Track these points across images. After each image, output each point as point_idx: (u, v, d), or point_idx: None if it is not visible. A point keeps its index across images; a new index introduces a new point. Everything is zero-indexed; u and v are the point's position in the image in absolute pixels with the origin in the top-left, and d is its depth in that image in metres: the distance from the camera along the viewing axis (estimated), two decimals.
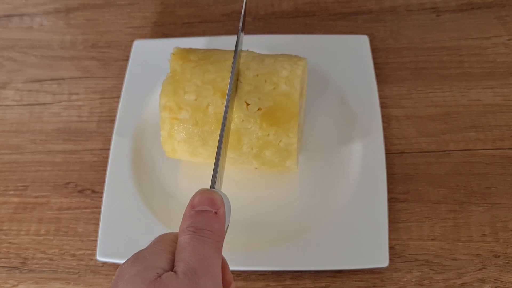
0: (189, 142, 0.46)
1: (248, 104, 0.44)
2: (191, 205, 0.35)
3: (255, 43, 0.53)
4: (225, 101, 0.43)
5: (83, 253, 0.49)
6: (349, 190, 0.48)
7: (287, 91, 0.44)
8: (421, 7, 0.62)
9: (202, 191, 0.35)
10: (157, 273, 0.32)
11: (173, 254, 0.34)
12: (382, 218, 0.46)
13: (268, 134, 0.44)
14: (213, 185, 0.37)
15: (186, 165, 0.52)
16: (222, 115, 0.43)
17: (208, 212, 0.34)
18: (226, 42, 0.52)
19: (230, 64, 0.45)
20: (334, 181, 0.50)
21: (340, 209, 0.47)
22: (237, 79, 0.45)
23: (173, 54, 0.47)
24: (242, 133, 0.45)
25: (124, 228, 0.48)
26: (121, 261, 0.46)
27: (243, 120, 0.44)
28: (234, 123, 0.44)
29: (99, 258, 0.47)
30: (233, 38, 0.47)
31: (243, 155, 0.46)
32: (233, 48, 0.46)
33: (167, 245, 0.34)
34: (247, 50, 0.48)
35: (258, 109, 0.44)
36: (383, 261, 0.45)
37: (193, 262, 0.32)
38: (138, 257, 0.34)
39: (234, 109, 0.44)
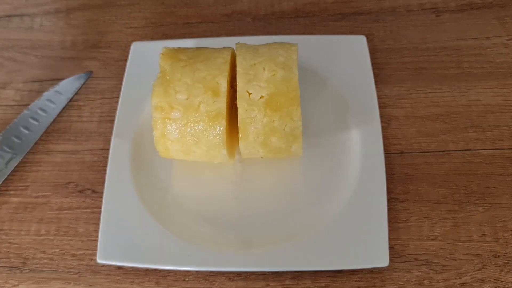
0: (182, 141, 0.46)
1: (250, 93, 0.45)
2: None
3: (255, 44, 0.53)
4: (216, 99, 0.44)
5: (84, 253, 0.49)
6: (349, 190, 0.48)
7: (287, 76, 0.45)
8: (421, 7, 0.63)
9: None
10: None
11: None
12: (382, 218, 0.46)
13: (273, 120, 0.45)
14: None
15: (186, 166, 0.52)
16: (214, 113, 0.45)
17: None
18: (223, 43, 0.52)
19: (219, 62, 0.46)
20: (334, 181, 0.50)
21: (339, 209, 0.47)
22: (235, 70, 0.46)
23: (162, 54, 0.47)
24: (247, 123, 0.45)
25: (123, 231, 0.47)
26: (122, 264, 0.47)
27: (247, 110, 0.45)
28: (239, 114, 0.45)
29: (100, 260, 0.47)
30: (229, 39, 0.47)
31: (249, 144, 0.46)
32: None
33: None
34: (239, 42, 0.49)
35: (261, 97, 0.45)
36: (383, 261, 0.45)
37: None
38: None
39: (237, 100, 0.45)
